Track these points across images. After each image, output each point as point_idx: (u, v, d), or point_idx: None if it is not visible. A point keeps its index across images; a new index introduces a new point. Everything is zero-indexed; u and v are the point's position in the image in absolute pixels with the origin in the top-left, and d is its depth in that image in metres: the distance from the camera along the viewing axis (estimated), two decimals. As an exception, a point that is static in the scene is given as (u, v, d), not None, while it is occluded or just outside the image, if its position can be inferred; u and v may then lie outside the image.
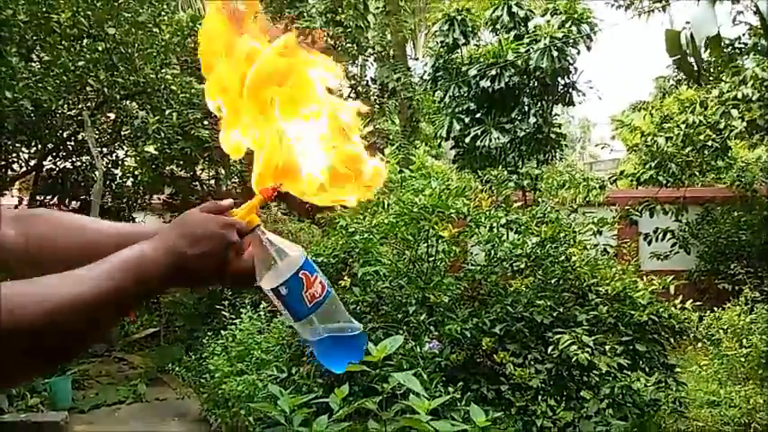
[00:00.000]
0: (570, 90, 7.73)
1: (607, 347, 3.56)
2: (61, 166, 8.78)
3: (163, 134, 7.12)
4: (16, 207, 8.82)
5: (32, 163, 8.34)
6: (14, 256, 0.92)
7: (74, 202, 9.06)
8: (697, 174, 8.22)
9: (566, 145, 8.40)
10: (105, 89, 6.32)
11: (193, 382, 5.96)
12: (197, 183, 10.51)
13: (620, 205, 8.80)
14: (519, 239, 4.18)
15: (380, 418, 2.52)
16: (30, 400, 5.77)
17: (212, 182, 10.88)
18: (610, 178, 8.36)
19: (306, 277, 0.90)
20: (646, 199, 8.38)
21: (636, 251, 8.18)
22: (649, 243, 8.56)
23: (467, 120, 7.59)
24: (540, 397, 3.52)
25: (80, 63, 6.25)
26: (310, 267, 0.92)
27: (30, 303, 0.68)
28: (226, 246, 0.85)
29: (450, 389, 3.29)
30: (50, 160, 8.57)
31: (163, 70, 6.90)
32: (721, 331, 5.43)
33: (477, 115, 7.61)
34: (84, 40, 6.48)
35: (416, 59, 13.97)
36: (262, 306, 5.88)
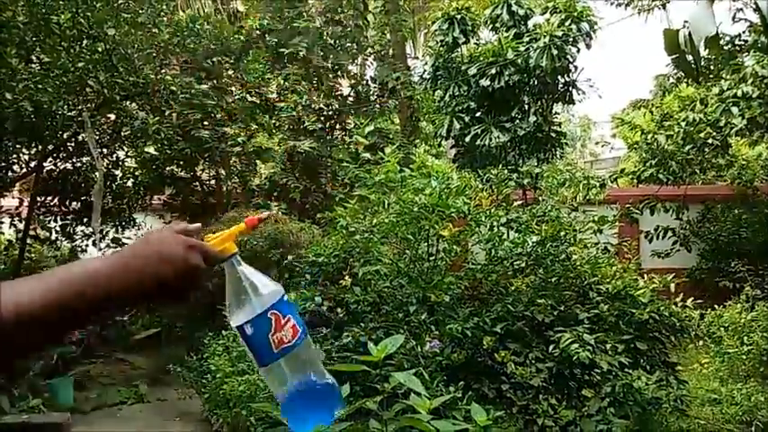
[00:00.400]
0: (570, 88, 7.73)
1: (608, 346, 3.56)
2: (62, 168, 8.78)
3: (163, 135, 7.13)
4: (17, 208, 8.83)
5: (33, 164, 8.34)
6: None
7: (74, 203, 9.07)
8: (698, 171, 8.22)
9: (566, 143, 8.39)
10: (105, 90, 6.32)
11: (195, 382, 5.96)
12: (197, 183, 10.52)
13: (621, 203, 8.81)
14: (519, 238, 4.18)
15: (381, 418, 2.52)
16: (31, 401, 5.77)
17: (213, 182, 10.89)
18: (610, 176, 8.34)
19: (276, 318, 0.83)
20: (646, 197, 8.38)
21: (637, 249, 8.18)
22: (650, 241, 8.56)
23: (467, 119, 7.59)
24: (541, 396, 3.52)
25: (80, 64, 6.24)
26: (285, 308, 0.84)
27: None
28: (188, 268, 0.81)
29: (452, 388, 3.29)
30: (51, 161, 8.57)
31: (162, 71, 6.91)
32: (722, 329, 5.43)
33: (478, 114, 7.61)
34: (84, 41, 6.47)
35: (416, 59, 13.96)
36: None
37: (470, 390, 3.53)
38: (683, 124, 6.93)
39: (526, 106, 7.63)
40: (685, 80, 9.22)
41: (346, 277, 4.26)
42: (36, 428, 5.56)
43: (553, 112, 8.08)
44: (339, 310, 4.08)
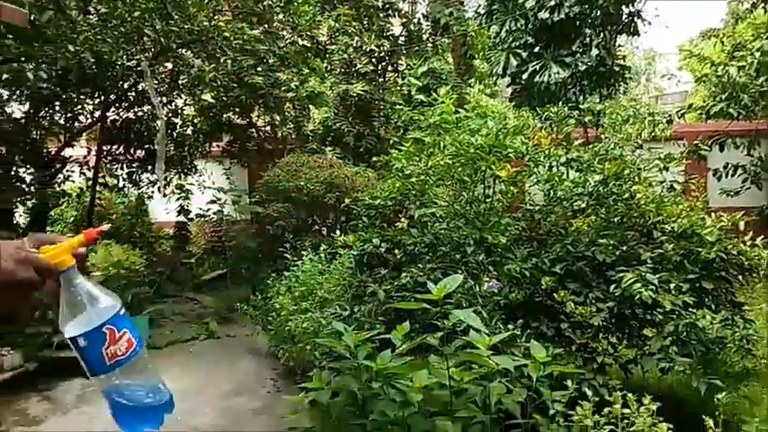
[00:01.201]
0: (635, 19, 7.32)
1: (672, 285, 3.48)
2: (124, 117, 9.08)
3: (218, 82, 7.22)
4: (85, 157, 9.23)
5: (97, 114, 8.65)
6: None
7: (139, 152, 9.40)
8: (773, 104, 7.71)
9: (630, 78, 8.02)
10: (162, 39, 6.42)
11: (261, 319, 6.25)
12: (253, 129, 10.68)
13: (688, 140, 8.41)
14: (580, 178, 4.08)
15: (442, 353, 2.59)
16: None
17: (268, 128, 11.03)
18: (677, 112, 7.95)
19: (111, 332, 0.84)
20: (716, 133, 7.97)
21: (704, 188, 7.85)
22: (719, 179, 8.20)
23: (524, 55, 7.35)
24: (601, 334, 3.51)
25: (136, 14, 6.34)
26: (120, 322, 0.85)
27: None
28: (17, 283, 0.79)
29: (510, 326, 3.33)
30: (114, 111, 8.87)
31: (215, 17, 6.93)
32: (794, 269, 5.20)
33: (536, 49, 7.35)
34: (139, -10, 6.55)
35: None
36: (322, 248, 6.03)
37: (529, 328, 3.55)
38: (756, 54, 6.47)
39: (588, 39, 7.29)
40: (761, 4, 8.54)
41: (402, 219, 4.29)
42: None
43: (616, 44, 7.69)
44: (396, 251, 4.13)
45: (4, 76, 6.47)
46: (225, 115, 9.80)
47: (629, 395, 2.59)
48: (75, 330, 0.84)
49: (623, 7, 7.19)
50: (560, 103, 6.24)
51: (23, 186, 7.87)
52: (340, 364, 2.92)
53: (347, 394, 2.82)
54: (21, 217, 8.65)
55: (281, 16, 8.68)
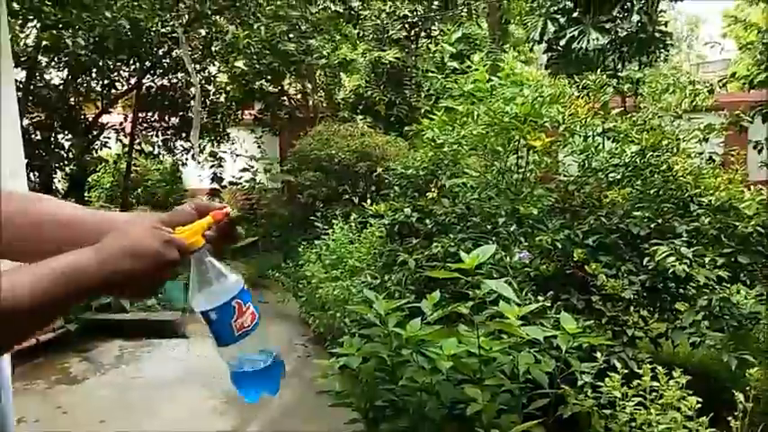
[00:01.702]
0: (679, -18, 7.03)
1: (707, 259, 3.42)
2: (159, 84, 9.18)
3: (252, 49, 7.22)
4: (121, 124, 9.39)
5: (133, 81, 8.77)
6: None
7: (173, 119, 9.53)
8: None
9: (671, 45, 7.75)
10: (197, 5, 6.43)
11: (292, 287, 6.36)
12: (285, 97, 10.70)
13: (729, 110, 8.13)
14: (617, 148, 4.00)
15: (472, 322, 2.61)
16: (148, 301, 6.40)
17: (299, 96, 11.03)
18: (719, 81, 7.67)
19: (239, 306, 0.90)
20: (759, 103, 7.68)
21: (744, 160, 7.61)
22: (759, 152, 7.94)
23: (562, 20, 7.15)
24: (632, 308, 3.48)
25: (171, -20, 6.37)
26: (245, 296, 0.91)
27: None
28: (163, 263, 0.84)
29: (540, 297, 3.33)
30: (149, 78, 8.97)
31: (250, -17, 6.91)
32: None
33: (574, 15, 7.13)
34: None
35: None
36: (352, 217, 6.08)
37: (559, 300, 3.54)
38: (810, 19, 6.17)
39: (629, 4, 7.03)
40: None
41: (433, 189, 4.29)
42: (153, 324, 6.21)
43: (658, 10, 7.42)
44: (427, 221, 4.14)
45: (44, 42, 6.58)
46: (257, 83, 9.83)
47: (659, 368, 2.59)
48: (206, 305, 0.89)
49: (667, -30, 6.92)
50: (598, 70, 6.08)
51: (62, 153, 8.07)
52: (370, 331, 2.97)
53: (377, 360, 2.87)
54: (59, 183, 8.90)
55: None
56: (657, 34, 7.07)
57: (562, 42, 6.99)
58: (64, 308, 0.81)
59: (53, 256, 0.78)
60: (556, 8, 7.10)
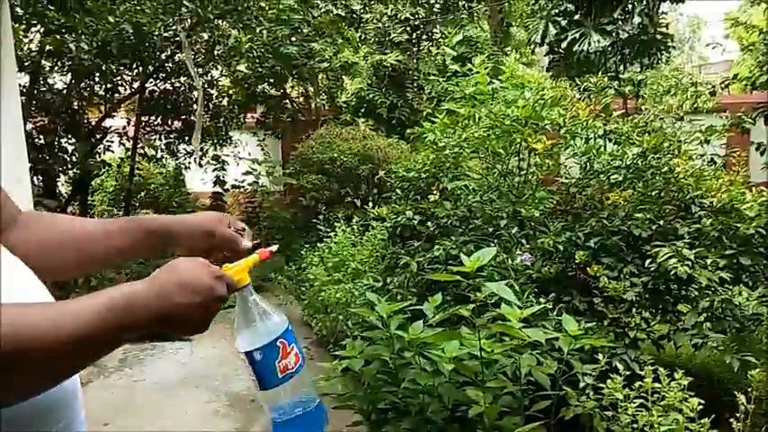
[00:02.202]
0: (680, -16, 7.05)
1: (708, 261, 3.43)
2: (162, 88, 9.21)
3: (254, 53, 7.25)
4: (124, 128, 9.42)
5: (136, 85, 8.80)
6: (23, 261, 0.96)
7: (176, 122, 9.56)
8: (825, 75, 7.38)
9: (673, 47, 7.76)
10: (200, 10, 6.46)
11: (294, 289, 6.38)
12: (287, 101, 10.73)
13: (732, 112, 8.14)
14: (618, 150, 4.01)
15: (474, 324, 2.62)
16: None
17: (302, 99, 11.05)
18: (721, 83, 7.67)
19: (283, 346, 0.87)
20: (761, 105, 7.68)
21: (746, 162, 7.61)
22: (762, 153, 7.94)
23: (564, 22, 7.16)
24: (634, 309, 3.49)
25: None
26: (290, 337, 0.89)
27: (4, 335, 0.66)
28: (214, 298, 0.84)
29: (542, 300, 3.34)
30: (152, 82, 9.01)
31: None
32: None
33: (576, 17, 7.14)
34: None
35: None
36: (354, 220, 6.09)
37: (561, 302, 3.55)
38: (811, 20, 6.17)
39: (630, 6, 7.04)
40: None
41: (435, 192, 4.30)
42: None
43: (660, 12, 7.43)
44: (429, 223, 4.15)
45: (47, 47, 6.62)
46: (259, 86, 9.86)
47: (661, 369, 2.59)
48: (249, 345, 0.88)
49: (668, -27, 6.93)
50: (600, 72, 6.09)
51: (65, 157, 8.10)
52: (372, 333, 2.98)
53: (379, 363, 2.89)
54: (63, 186, 8.93)
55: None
56: (659, 36, 7.07)
57: (563, 45, 7.00)
58: (118, 340, 0.80)
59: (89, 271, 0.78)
60: (557, 11, 7.11)
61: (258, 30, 7.09)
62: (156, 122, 9.60)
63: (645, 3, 7.00)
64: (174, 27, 7.19)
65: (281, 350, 0.88)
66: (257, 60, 7.88)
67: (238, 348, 0.89)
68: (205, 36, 8.31)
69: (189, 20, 7.29)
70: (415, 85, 10.25)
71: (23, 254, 0.87)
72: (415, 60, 10.22)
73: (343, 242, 5.78)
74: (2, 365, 0.65)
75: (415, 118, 9.18)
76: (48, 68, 7.80)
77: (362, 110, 10.50)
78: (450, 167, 4.50)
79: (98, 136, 8.71)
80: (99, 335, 0.74)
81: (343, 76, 10.28)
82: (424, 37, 10.70)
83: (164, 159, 10.24)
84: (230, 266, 0.89)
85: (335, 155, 8.01)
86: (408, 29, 10.04)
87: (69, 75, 7.94)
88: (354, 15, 9.44)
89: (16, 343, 0.66)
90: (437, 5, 10.37)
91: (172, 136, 9.76)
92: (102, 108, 8.82)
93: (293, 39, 7.99)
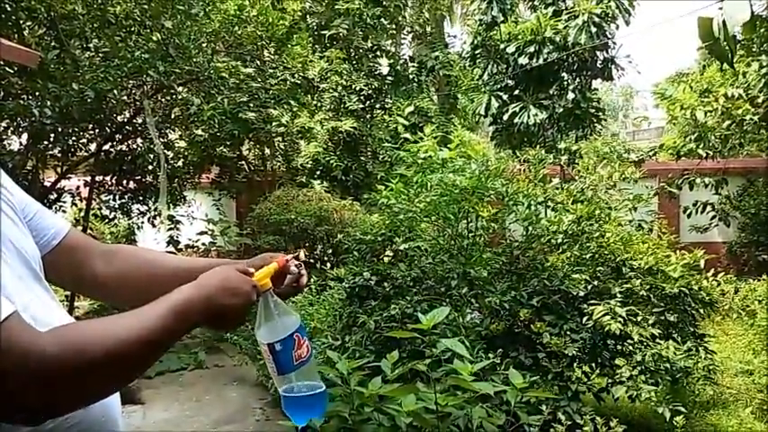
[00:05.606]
0: (609, 65, 7.78)
1: (639, 318, 3.78)
2: (118, 149, 9.27)
3: (216, 119, 7.49)
4: (78, 189, 9.37)
5: (92, 147, 8.85)
6: (102, 291, 1.18)
7: (131, 183, 9.58)
8: (737, 146, 8.18)
9: (604, 119, 8.46)
10: (163, 79, 6.70)
11: (250, 350, 6.39)
12: (243, 162, 10.93)
13: (661, 177, 8.83)
14: (556, 217, 4.39)
15: (429, 378, 2.82)
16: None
17: (258, 161, 11.28)
18: (649, 151, 8.38)
19: (298, 339, 1.07)
20: (686, 171, 8.39)
21: (676, 224, 8.23)
22: (689, 216, 8.60)
23: (505, 97, 7.76)
24: (575, 364, 3.77)
25: (137, 53, 6.63)
26: (303, 331, 1.09)
27: (94, 343, 0.81)
28: (250, 301, 1.02)
29: (491, 355, 3.58)
30: (109, 144, 9.07)
31: (214, 58, 7.24)
32: (756, 302, 5.56)
33: (516, 92, 7.77)
34: (139, 32, 6.86)
35: (454, 37, 13.98)
36: (312, 280, 6.25)
37: (508, 357, 3.80)
38: (721, 100, 6.93)
39: (564, 83, 7.72)
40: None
41: (388, 253, 4.55)
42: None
43: (592, 87, 8.15)
44: (386, 284, 4.38)
45: (10, 111, 6.68)
46: (216, 149, 10.05)
47: (599, 419, 2.85)
48: (271, 337, 1.07)
49: (598, 54, 7.65)
50: (539, 142, 6.61)
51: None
52: (332, 390, 3.12)
53: (339, 419, 3.02)
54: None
55: (274, 56, 9.03)
56: (591, 110, 7.75)
57: (505, 117, 7.57)
58: (177, 339, 0.96)
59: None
60: (499, 86, 7.73)
61: (219, 98, 7.36)
62: (110, 183, 9.60)
63: (578, 80, 7.70)
64: (134, 92, 7.37)
65: (297, 342, 1.06)
66: (216, 125, 8.12)
67: (261, 340, 1.06)
68: (163, 100, 8.51)
69: (151, 86, 7.51)
70: (368, 149, 10.68)
71: (105, 283, 1.08)
72: (368, 127, 10.69)
73: (301, 302, 5.91)
74: (90, 371, 0.80)
75: (369, 180, 9.54)
76: (2, 129, 7.79)
77: (318, 172, 10.82)
78: (404, 230, 4.78)
79: (53, 197, 8.65)
80: (168, 337, 0.91)
81: (300, 140, 10.61)
82: (378, 106, 11.24)
83: (116, 219, 10.16)
84: (258, 273, 1.06)
85: (292, 216, 8.22)
86: (362, 98, 10.55)
87: (25, 135, 7.95)
88: (311, 84, 9.88)
89: (108, 352, 0.82)
90: (389, 77, 10.97)
91: (126, 196, 9.75)
92: (59, 169, 8.80)
93: (251, 105, 8.29)
